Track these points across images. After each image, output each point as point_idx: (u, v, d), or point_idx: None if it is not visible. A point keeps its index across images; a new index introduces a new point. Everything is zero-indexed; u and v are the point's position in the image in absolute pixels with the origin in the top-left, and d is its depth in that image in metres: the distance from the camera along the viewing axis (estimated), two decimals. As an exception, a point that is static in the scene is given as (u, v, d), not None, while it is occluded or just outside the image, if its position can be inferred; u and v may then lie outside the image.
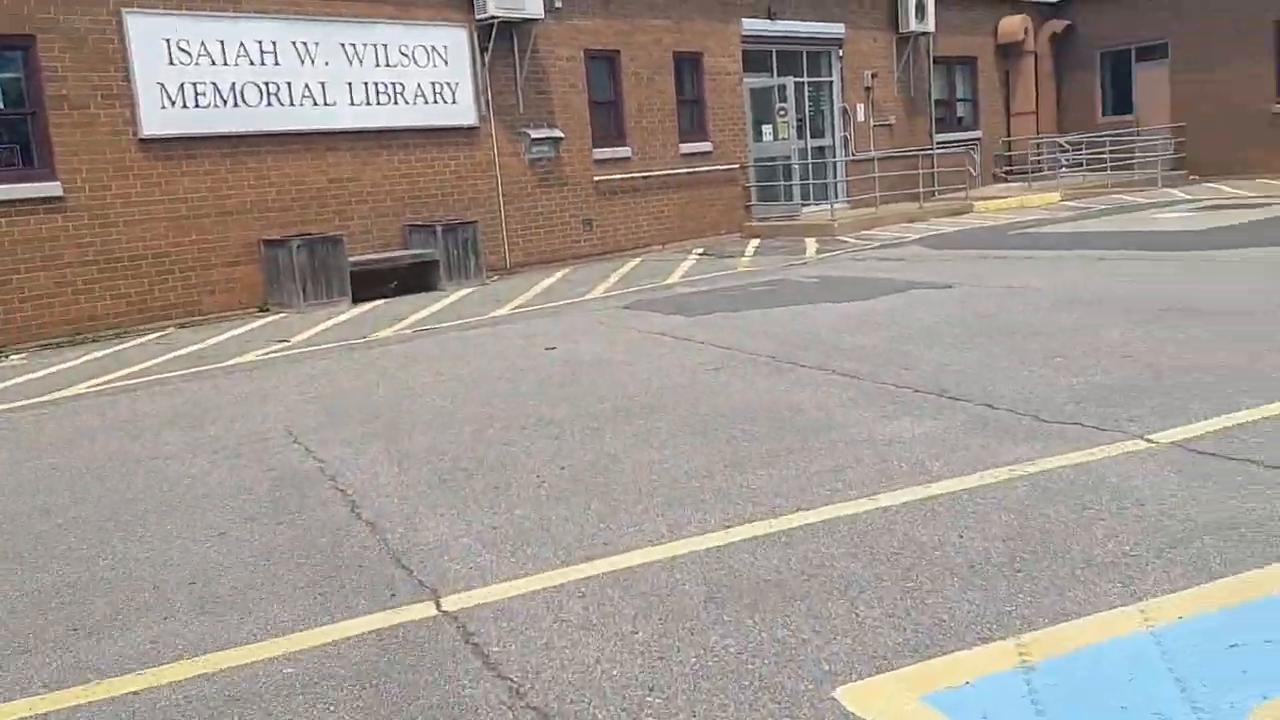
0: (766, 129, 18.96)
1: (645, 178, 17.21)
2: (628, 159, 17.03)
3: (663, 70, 17.36)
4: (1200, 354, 6.62)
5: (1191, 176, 22.79)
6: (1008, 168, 24.64)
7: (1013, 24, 23.96)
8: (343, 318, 12.37)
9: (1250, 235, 12.59)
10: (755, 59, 19.20)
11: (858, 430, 5.60)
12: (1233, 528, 3.83)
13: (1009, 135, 24.69)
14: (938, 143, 22.54)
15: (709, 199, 18.11)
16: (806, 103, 20.08)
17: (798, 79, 19.71)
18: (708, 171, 18.04)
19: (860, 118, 20.84)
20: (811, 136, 20.22)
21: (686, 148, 17.72)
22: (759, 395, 6.61)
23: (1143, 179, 22.37)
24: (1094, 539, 3.85)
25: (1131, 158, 22.49)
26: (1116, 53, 24.32)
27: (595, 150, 16.59)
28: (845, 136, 20.58)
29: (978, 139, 23.74)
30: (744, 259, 15.41)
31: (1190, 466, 4.54)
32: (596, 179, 16.63)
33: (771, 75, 19.32)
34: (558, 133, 15.94)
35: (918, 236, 16.35)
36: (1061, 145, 21.63)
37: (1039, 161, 23.41)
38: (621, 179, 16.96)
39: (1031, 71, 24.33)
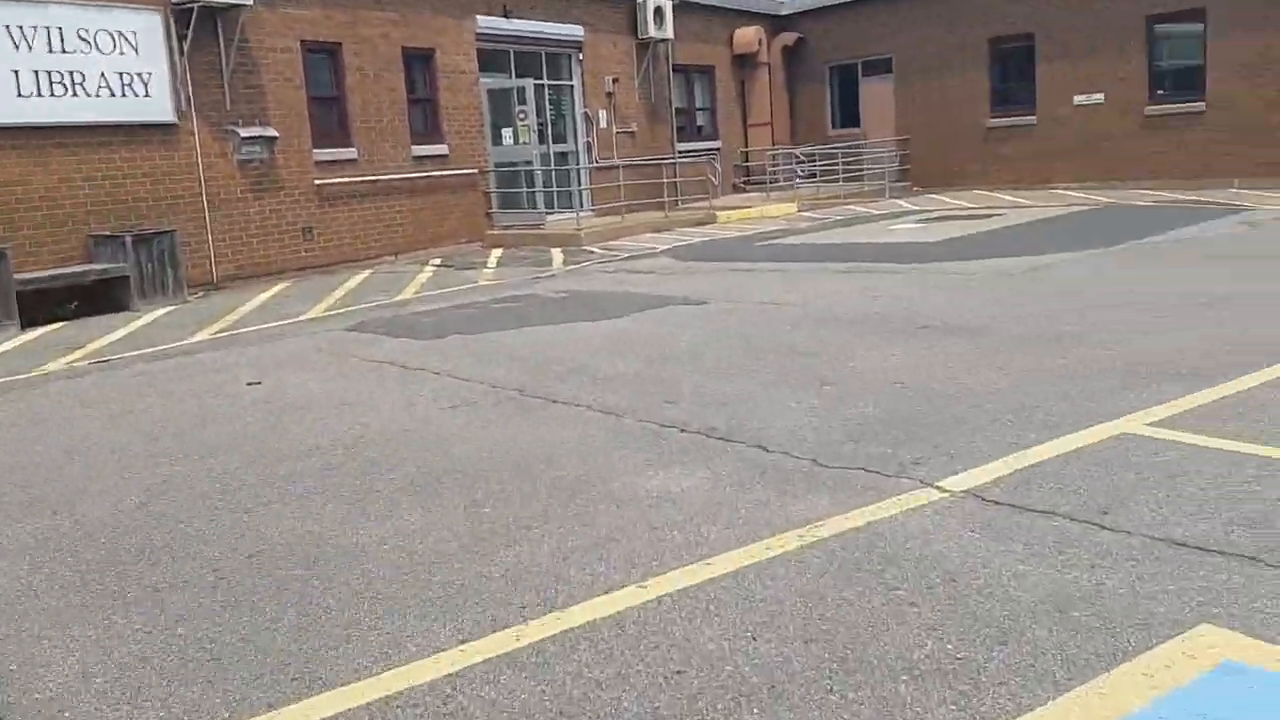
0: (506, 132, 18.03)
1: (374, 182, 15.86)
2: (354, 161, 15.62)
3: (392, 67, 16.06)
4: (967, 376, 6.25)
5: (915, 188, 23.79)
6: (746, 178, 24.90)
7: (747, 35, 24.22)
8: (7, 346, 10.39)
9: (983, 247, 12.87)
10: (492, 59, 18.23)
11: (622, 485, 4.76)
12: (1062, 610, 3.24)
13: (746, 146, 24.97)
14: (680, 151, 22.39)
15: (447, 205, 16.97)
16: (548, 106, 19.31)
17: (538, 81, 18.90)
18: (444, 176, 16.89)
19: (603, 124, 20.30)
20: (554, 141, 19.47)
21: (420, 150, 16.50)
22: (505, 441, 5.67)
23: (872, 190, 23.12)
24: (911, 634, 3.16)
25: (861, 169, 23.19)
26: (844, 66, 25.09)
27: (316, 151, 15.08)
28: (589, 142, 19.98)
29: (717, 149, 23.81)
30: (486, 271, 14.40)
31: (993, 523, 3.98)
32: (318, 183, 15.12)
33: (510, 76, 18.41)
34: (271, 131, 14.33)
35: (666, 247, 15.92)
36: (797, 156, 21.99)
37: (775, 172, 23.77)
38: (347, 183, 15.53)
39: (766, 83, 24.70)
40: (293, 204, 14.82)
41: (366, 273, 14.97)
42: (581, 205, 19.81)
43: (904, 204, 20.98)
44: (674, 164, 21.54)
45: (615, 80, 20.42)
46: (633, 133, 21.08)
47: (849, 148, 23.72)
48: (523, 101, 17.89)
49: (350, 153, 15.57)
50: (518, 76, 18.48)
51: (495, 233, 17.65)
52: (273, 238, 14.59)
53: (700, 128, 23.79)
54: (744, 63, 24.64)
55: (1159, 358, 6.36)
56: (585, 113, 19.91)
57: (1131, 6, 19.75)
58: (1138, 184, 20.03)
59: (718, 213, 19.98)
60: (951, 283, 10.12)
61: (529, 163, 18.20)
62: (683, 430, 5.59)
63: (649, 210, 19.78)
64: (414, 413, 6.48)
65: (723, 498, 4.49)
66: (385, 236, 16.03)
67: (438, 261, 15.80)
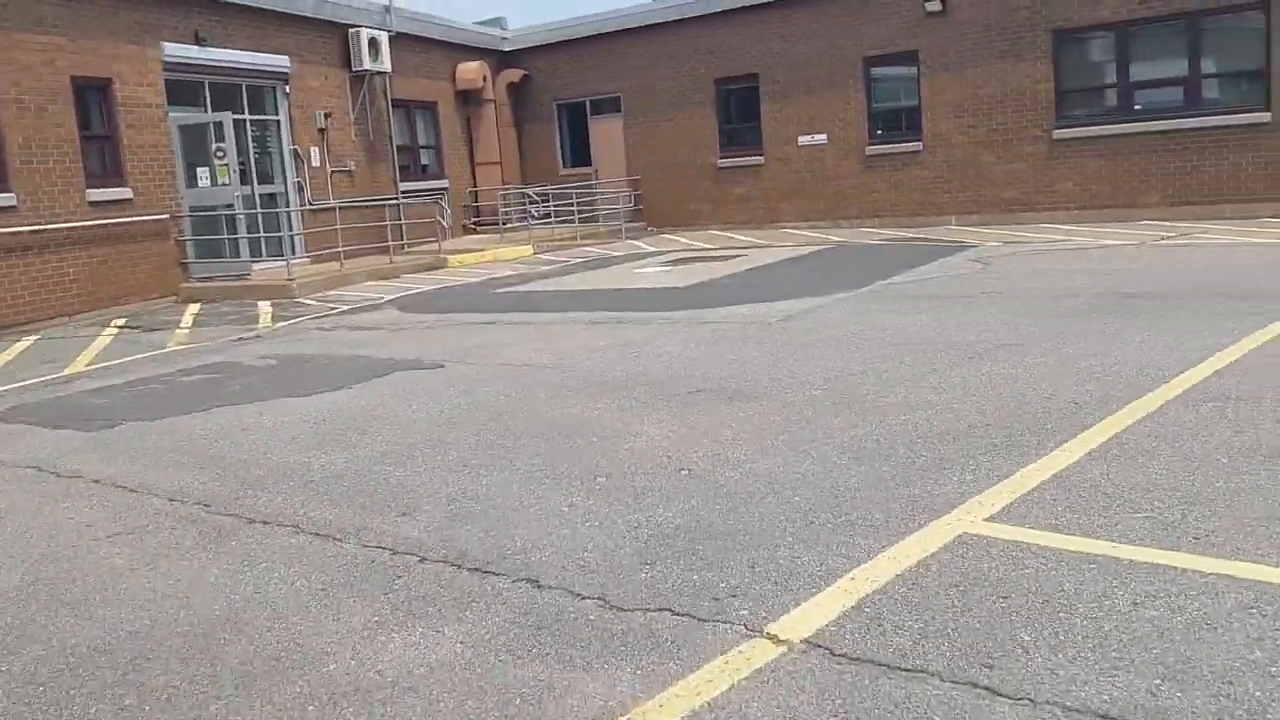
0: (203, 172, 15.95)
1: (39, 232, 13.42)
2: (13, 209, 13.14)
3: (60, 99, 13.71)
4: (763, 458, 5.33)
5: (649, 228, 23.41)
6: (476, 219, 23.69)
7: (470, 71, 23.10)
8: None
9: (734, 291, 12.29)
10: (184, 91, 16.11)
11: (341, 666, 3.42)
12: None
13: (475, 185, 23.77)
14: (404, 191, 20.88)
15: (133, 257, 14.68)
16: (251, 144, 17.34)
17: (238, 116, 16.93)
18: (128, 223, 14.61)
19: (316, 162, 18.51)
20: (260, 182, 17.49)
21: (97, 194, 14.17)
22: (177, 593, 4.16)
23: (607, 231, 22.52)
24: None
25: (595, 209, 22.54)
26: (573, 105, 24.46)
27: (-40, 197, 12.54)
28: (299, 183, 18.13)
29: (445, 188, 22.47)
30: (179, 332, 12.39)
31: (854, 696, 2.97)
32: (-36, 234, 12.58)
33: (205, 110, 16.34)
34: (-105, 172, 11.75)
35: (393, 297, 14.42)
36: (530, 196, 21.02)
37: (508, 213, 22.69)
38: (5, 234, 13.03)
39: (493, 120, 23.64)
40: (-74, 259, 12.20)
41: (30, 340, 12.55)
42: (294, 252, 17.93)
43: (642, 245, 20.45)
44: (398, 205, 20.04)
45: (328, 115, 18.70)
46: (350, 171, 19.40)
47: (582, 187, 23.03)
48: (220, 138, 15.88)
49: (7, 199, 13.09)
50: (214, 110, 16.42)
51: (193, 286, 15.50)
52: (-102, 301, 11.93)
53: (425, 166, 22.38)
54: (469, 99, 23.49)
55: (964, 423, 5.70)
56: (295, 150, 18.07)
57: (850, 47, 20.21)
58: (862, 222, 20.47)
59: (449, 256, 18.64)
60: (711, 334, 9.34)
61: (230, 206, 16.18)
62: (424, 560, 4.30)
63: (372, 255, 18.17)
64: (56, 547, 4.81)
65: (486, 680, 3.25)
66: (55, 296, 13.59)
67: (121, 323, 13.54)
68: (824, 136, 20.92)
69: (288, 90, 17.90)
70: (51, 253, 13.46)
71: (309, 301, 14.50)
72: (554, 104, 24.57)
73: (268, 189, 17.79)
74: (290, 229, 17.93)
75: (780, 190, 21.66)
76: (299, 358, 9.84)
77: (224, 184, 15.96)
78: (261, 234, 17.02)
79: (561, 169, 24.79)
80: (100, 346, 11.71)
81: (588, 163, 24.43)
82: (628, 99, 23.42)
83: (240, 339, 11.49)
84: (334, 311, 13.37)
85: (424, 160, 22.30)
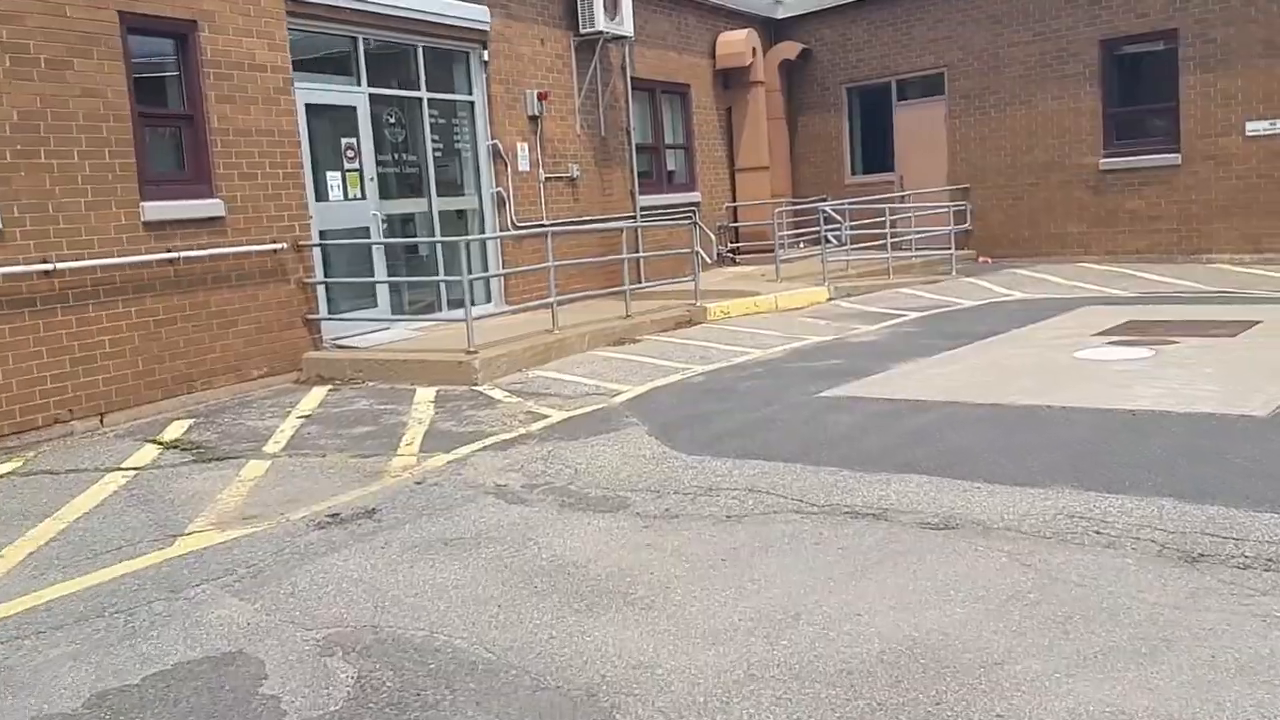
0: (340, 180, 10.32)
1: (51, 274, 7.93)
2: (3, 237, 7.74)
3: (98, 49, 8.22)
4: None
5: (983, 259, 16.44)
6: (735, 245, 17.37)
7: (735, 42, 16.85)
8: None
9: None
10: (321, 52, 10.54)
11: None
12: None
13: (735, 199, 17.48)
14: (644, 209, 14.81)
15: (225, 311, 9.10)
16: (428, 136, 11.58)
17: (409, 93, 11.25)
18: (217, 256, 9.04)
19: (524, 164, 12.65)
20: (440, 192, 11.72)
21: (164, 209, 8.62)
22: None
23: (922, 263, 15.73)
24: None
25: (902, 232, 15.74)
26: (869, 88, 17.82)
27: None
28: (500, 194, 12.28)
29: (696, 203, 16.29)
30: (266, 452, 6.61)
31: None
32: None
33: (356, 83, 10.69)
34: None
35: (633, 392, 8.24)
36: (827, 212, 14.35)
37: (785, 238, 16.18)
38: None
39: (761, 110, 17.29)
40: None
41: (12, 464, 7.05)
42: (488, 298, 12.14)
43: (993, 286, 13.57)
44: (636, 228, 13.99)
45: (543, 97, 12.81)
46: (572, 180, 13.46)
47: (879, 201, 16.34)
48: (390, 123, 10.19)
49: None
50: (371, 84, 10.77)
51: (322, 355, 9.78)
52: None
53: (671, 173, 16.26)
54: (730, 80, 17.24)
55: None
56: (494, 146, 12.24)
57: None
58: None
59: (707, 305, 12.36)
60: None
61: (388, 226, 10.51)
62: None
63: (598, 302, 12.09)
64: None
65: None
66: (81, 378, 8.08)
67: (176, 434, 7.86)
68: (1295, 121, 13.41)
69: (485, 58, 12.11)
70: (74, 307, 7.95)
71: (496, 394, 8.50)
72: (842, 88, 17.98)
73: (452, 202, 12.03)
74: (483, 268, 12.10)
75: (1209, 205, 14.26)
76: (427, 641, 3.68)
77: (355, 198, 10.29)
78: (442, 276, 11.20)
79: (849, 176, 18.16)
80: (107, 496, 6.01)
81: (887, 167, 17.71)
82: (954, 76, 16.55)
83: (334, 516, 5.48)
84: (534, 419, 7.34)
85: (669, 165, 16.17)
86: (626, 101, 14.57)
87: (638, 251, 14.16)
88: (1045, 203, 15.91)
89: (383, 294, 10.71)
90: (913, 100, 17.29)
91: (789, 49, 17.94)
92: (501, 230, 12.26)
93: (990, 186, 16.43)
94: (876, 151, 18.01)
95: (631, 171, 14.67)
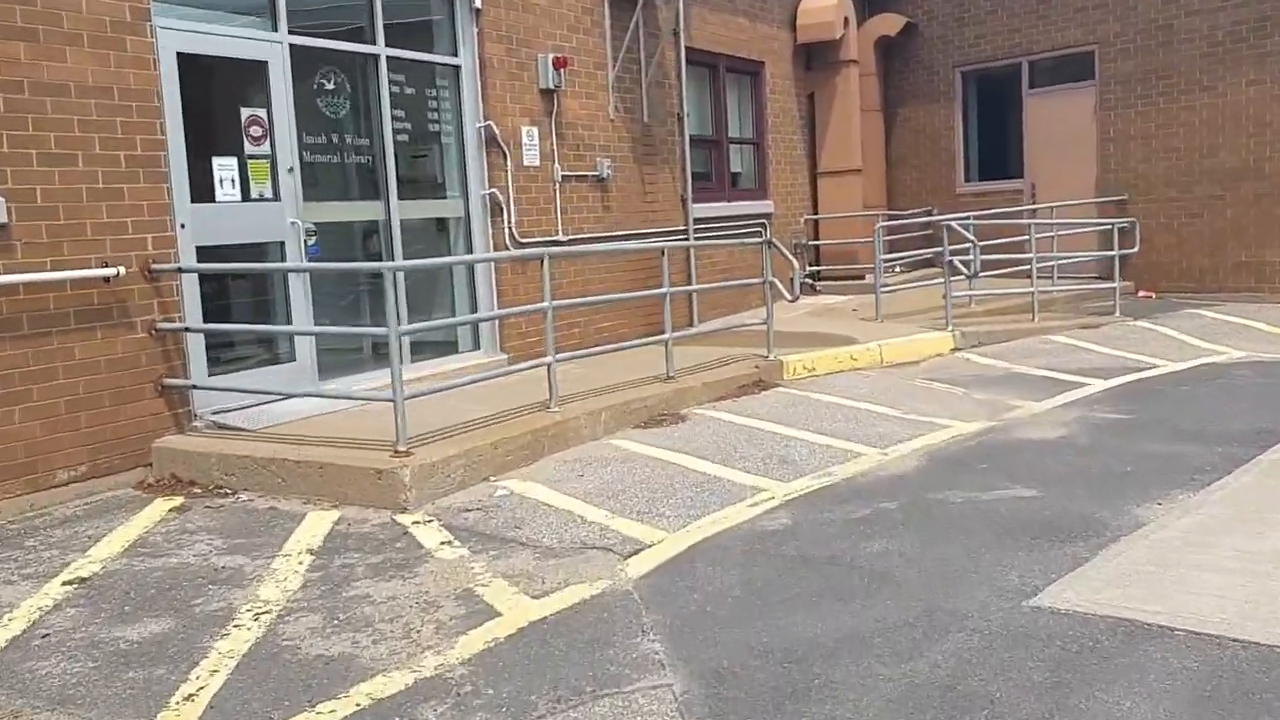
0: (258, 170, 6.84)
1: None
2: None
3: None
4: None
5: (1143, 294, 12.55)
6: (817, 268, 13.65)
7: (823, 10, 13.16)
8: None
9: None
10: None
11: None
12: None
13: (817, 210, 13.77)
14: (700, 222, 11.17)
15: (8, 377, 5.62)
16: (388, 111, 7.98)
17: (361, 47, 7.74)
18: (23, 285, 5.60)
19: (532, 157, 9.07)
20: (405, 193, 8.15)
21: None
22: None
23: (1067, 299, 11.90)
24: None
25: (1043, 260, 11.82)
26: (991, 72, 14.04)
27: None
28: (492, 196, 8.69)
29: (767, 216, 12.61)
30: None
31: None
32: None
33: (271, 25, 7.15)
34: None
35: (675, 540, 4.62)
36: (953, 228, 10.36)
37: (886, 262, 12.31)
38: None
39: (853, 97, 13.56)
40: None
41: None
42: (475, 344, 8.64)
43: (1182, 336, 9.76)
44: (688, 246, 10.44)
45: (562, 64, 9.23)
46: (601, 180, 9.86)
47: (1004, 216, 12.54)
48: (318, 92, 6.72)
49: None
50: (295, 30, 7.25)
51: (181, 445, 6.18)
52: None
53: (736, 176, 12.60)
54: (813, 59, 13.58)
55: None
56: (487, 129, 8.65)
57: None
58: None
59: (785, 357, 8.67)
60: None
61: (318, 240, 7.04)
62: None
63: (633, 354, 8.38)
64: None
65: None
66: None
67: None
68: None
69: (477, 4, 8.56)
70: None
71: (429, 535, 4.93)
72: (955, 71, 14.21)
73: (424, 208, 8.50)
74: (470, 297, 8.58)
75: None
76: None
77: (262, 199, 6.80)
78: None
79: (961, 183, 14.37)
80: None
81: (1013, 172, 13.90)
82: (1109, 55, 12.71)
83: None
84: (470, 617, 3.80)
85: (734, 164, 12.52)
86: (679, 79, 10.96)
87: (689, 281, 10.59)
88: (1234, 222, 12.00)
89: (304, 345, 7.19)
90: (1050, 88, 13.45)
91: (889, 22, 14.20)
92: (496, 248, 8.71)
93: (1155, 200, 12.55)
94: (998, 153, 14.20)
95: (684, 172, 11.04)
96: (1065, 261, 12.05)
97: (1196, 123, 12.18)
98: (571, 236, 9.46)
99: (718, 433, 6.72)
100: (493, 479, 5.76)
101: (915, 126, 14.60)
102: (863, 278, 13.29)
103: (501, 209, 8.77)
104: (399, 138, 8.10)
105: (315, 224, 7.37)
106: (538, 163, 9.16)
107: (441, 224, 8.73)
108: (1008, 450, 6.07)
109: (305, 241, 7.23)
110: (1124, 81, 12.69)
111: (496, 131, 8.70)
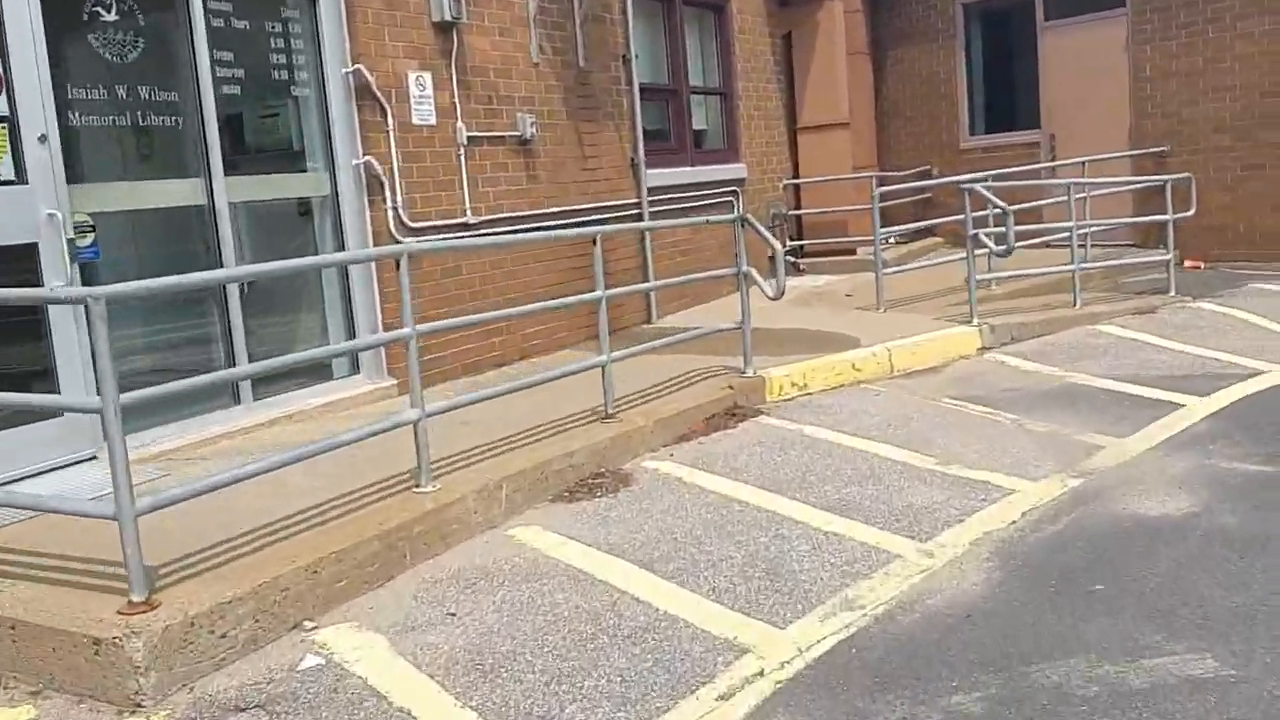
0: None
1: None
2: None
3: None
4: None
5: (1191, 264, 10.47)
6: (800, 243, 11.45)
7: (799, -69, 10.91)
8: None
9: None
10: None
11: None
12: None
13: (797, 174, 11.57)
14: (654, 191, 8.93)
15: None
16: (205, 51, 5.71)
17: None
18: None
19: (424, 114, 6.81)
20: (237, 167, 5.90)
21: None
22: None
23: (1103, 274, 9.76)
24: None
25: (1078, 227, 9.59)
26: (1000, 4, 11.86)
27: None
28: (367, 168, 6.42)
29: (740, 181, 10.39)
30: None
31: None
32: None
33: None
34: None
35: None
36: (984, 197, 8.08)
37: (889, 234, 10.01)
38: None
39: (838, 39, 11.33)
40: None
41: None
42: (354, 368, 6.40)
43: (1268, 323, 7.69)
44: (643, 230, 8.30)
45: (464, -9, 6.97)
46: (525, 142, 7.61)
47: (1018, 175, 10.44)
48: (90, 22, 4.43)
49: None
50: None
51: None
52: None
53: (700, 134, 10.36)
54: (790, -7, 11.36)
55: None
56: (356, 77, 6.37)
57: None
58: None
59: (768, 371, 6.53)
60: None
61: (95, 239, 4.76)
62: None
63: (567, 350, 6.18)
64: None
65: None
66: None
67: None
68: None
69: (338, -93, 6.27)
70: None
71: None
72: (957, 4, 12.01)
73: (269, 185, 6.24)
74: (345, 308, 6.36)
75: None
76: None
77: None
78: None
79: (966, 137, 12.21)
80: None
81: (1027, 122, 11.76)
82: (1153, -27, 10.57)
83: None
84: None
85: (698, 120, 10.27)
86: (624, 12, 8.70)
87: (643, 266, 8.45)
88: (1301, 175, 9.92)
89: (79, 388, 4.95)
90: (1070, 19, 11.28)
91: (875, -52, 11.97)
92: (378, 234, 6.47)
93: (1201, 150, 10.44)
94: (1009, 100, 12.06)
95: (633, 130, 8.80)
96: (1098, 229, 9.93)
97: (1255, 54, 10.06)
98: (486, 217, 7.25)
99: (673, 510, 4.57)
100: (307, 628, 3.57)
101: (910, 71, 12.40)
102: (854, 252, 11.19)
103: (382, 184, 6.53)
104: (225, 89, 5.83)
105: (91, 215, 5.12)
106: (433, 121, 6.90)
107: (305, 206, 6.49)
108: (1120, 545, 3.94)
109: (73, 242, 4.98)
110: (1162, 8, 10.53)
111: (370, 79, 6.43)
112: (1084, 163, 10.29)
